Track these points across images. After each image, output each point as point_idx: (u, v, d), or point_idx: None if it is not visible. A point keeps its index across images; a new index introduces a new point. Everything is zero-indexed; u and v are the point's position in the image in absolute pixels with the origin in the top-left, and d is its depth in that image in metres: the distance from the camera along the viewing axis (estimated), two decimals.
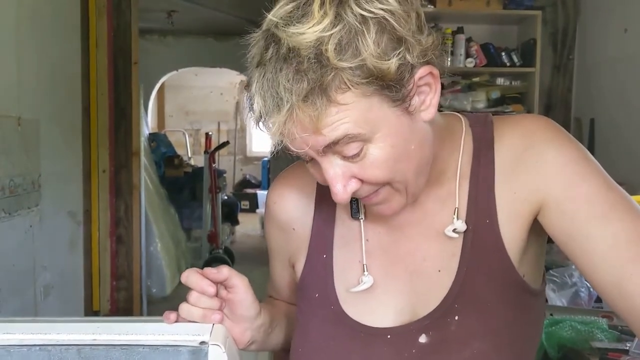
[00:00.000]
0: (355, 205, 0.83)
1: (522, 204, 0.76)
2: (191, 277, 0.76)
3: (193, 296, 0.76)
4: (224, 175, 6.70)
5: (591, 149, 3.10)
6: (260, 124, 0.69)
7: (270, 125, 0.67)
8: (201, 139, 8.86)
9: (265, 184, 9.13)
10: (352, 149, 0.68)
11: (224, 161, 9.34)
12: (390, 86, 0.66)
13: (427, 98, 0.71)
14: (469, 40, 3.40)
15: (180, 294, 0.77)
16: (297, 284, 0.88)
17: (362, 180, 0.71)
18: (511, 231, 0.77)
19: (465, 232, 0.78)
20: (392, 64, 0.65)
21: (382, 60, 0.65)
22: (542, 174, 0.75)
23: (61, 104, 3.08)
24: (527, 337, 0.81)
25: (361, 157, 0.69)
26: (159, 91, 8.96)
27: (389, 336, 0.78)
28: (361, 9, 0.65)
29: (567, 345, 1.45)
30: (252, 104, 0.69)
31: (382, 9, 0.66)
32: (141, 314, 3.79)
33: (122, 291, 3.67)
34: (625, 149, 2.92)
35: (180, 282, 4.42)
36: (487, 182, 0.78)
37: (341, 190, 0.70)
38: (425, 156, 0.74)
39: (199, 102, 10.14)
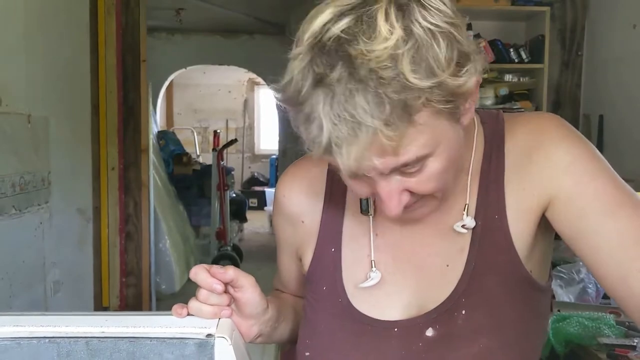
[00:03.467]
0: (365, 201, 0.83)
1: (531, 201, 0.77)
2: (199, 274, 0.76)
3: (202, 294, 0.76)
4: (232, 172, 6.72)
5: (600, 145, 3.08)
6: (325, 150, 0.63)
7: (344, 153, 0.62)
8: (209, 136, 8.88)
9: (273, 182, 9.14)
10: (415, 166, 0.67)
11: (232, 159, 9.36)
12: (459, 103, 0.65)
13: (467, 103, 0.70)
14: (477, 36, 3.39)
15: (189, 290, 0.78)
16: (304, 276, 0.89)
17: (412, 192, 0.70)
18: (520, 227, 0.77)
19: (474, 227, 0.78)
20: (468, 81, 0.64)
21: (457, 78, 0.63)
22: (552, 171, 0.75)
23: (70, 101, 3.10)
24: (533, 333, 0.81)
25: (420, 171, 0.68)
26: (168, 89, 8.99)
27: (396, 329, 0.79)
28: (428, 22, 0.62)
29: (574, 341, 1.45)
30: (310, 130, 0.63)
31: (447, 22, 0.63)
32: (150, 310, 3.81)
33: (131, 287, 3.69)
34: (634, 145, 2.90)
35: (189, 279, 4.45)
36: (497, 179, 0.79)
37: (397, 206, 0.70)
38: (461, 159, 0.75)
39: (207, 100, 10.16)
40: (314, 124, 0.63)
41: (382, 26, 0.61)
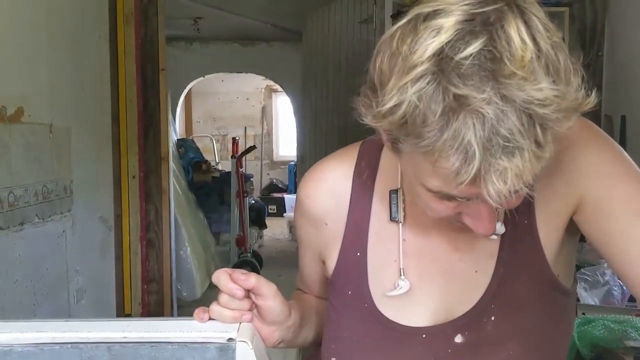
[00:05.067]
0: (395, 208, 0.82)
1: (560, 204, 0.76)
2: (221, 278, 0.76)
3: (223, 298, 0.76)
4: (251, 179, 6.75)
5: (622, 146, 3.03)
6: (472, 180, 0.58)
7: (495, 180, 0.58)
8: (228, 144, 8.93)
9: (292, 188, 9.15)
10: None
11: (251, 166, 9.39)
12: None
13: None
14: None
15: (210, 297, 0.78)
16: (328, 279, 0.88)
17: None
18: (548, 232, 0.77)
19: (503, 233, 0.77)
20: (592, 95, 0.63)
21: (581, 92, 0.62)
22: (580, 173, 0.75)
23: (91, 110, 3.14)
24: (559, 337, 0.81)
25: None
26: (187, 98, 9.07)
27: (424, 336, 0.78)
28: (546, 36, 0.59)
29: (600, 344, 1.43)
30: (450, 161, 0.58)
31: (556, 36, 0.61)
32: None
33: (153, 295, 3.71)
34: None
35: (210, 286, 4.49)
36: None
37: (494, 225, 0.69)
38: None
39: (225, 108, 10.23)
40: (457, 154, 0.58)
41: (517, 42, 0.57)
